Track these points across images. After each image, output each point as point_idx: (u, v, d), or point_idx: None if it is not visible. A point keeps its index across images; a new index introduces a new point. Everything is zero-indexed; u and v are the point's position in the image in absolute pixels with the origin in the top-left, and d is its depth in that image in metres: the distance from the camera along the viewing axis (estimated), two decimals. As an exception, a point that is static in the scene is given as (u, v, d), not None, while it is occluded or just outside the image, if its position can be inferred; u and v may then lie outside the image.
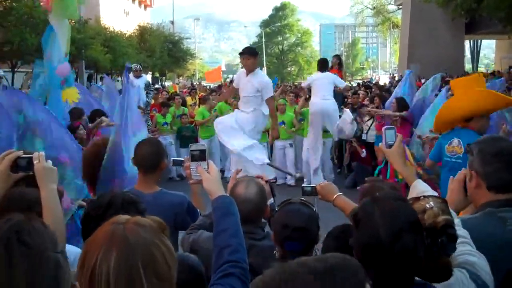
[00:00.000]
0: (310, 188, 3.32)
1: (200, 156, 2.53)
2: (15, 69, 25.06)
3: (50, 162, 2.62)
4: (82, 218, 2.68)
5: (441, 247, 2.09)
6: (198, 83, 28.73)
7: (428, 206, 2.14)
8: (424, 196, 2.25)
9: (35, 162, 2.56)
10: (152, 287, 1.52)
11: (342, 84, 11.70)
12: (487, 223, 2.49)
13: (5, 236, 1.23)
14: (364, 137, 12.24)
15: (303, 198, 3.06)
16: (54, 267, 1.27)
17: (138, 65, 15.20)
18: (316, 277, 1.35)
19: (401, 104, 10.21)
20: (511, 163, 2.56)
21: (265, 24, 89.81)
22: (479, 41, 45.25)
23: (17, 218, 1.31)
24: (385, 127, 2.96)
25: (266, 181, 3.60)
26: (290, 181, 12.22)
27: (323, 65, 11.45)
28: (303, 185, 3.49)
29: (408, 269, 1.94)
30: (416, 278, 2.02)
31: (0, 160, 2.57)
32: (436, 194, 2.41)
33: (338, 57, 14.39)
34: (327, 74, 11.32)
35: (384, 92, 15.51)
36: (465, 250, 2.31)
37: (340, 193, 3.06)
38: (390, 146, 2.87)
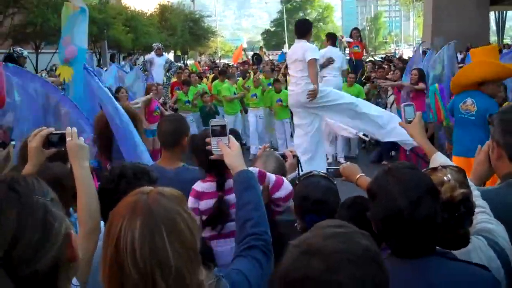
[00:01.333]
0: (334, 170, 3.30)
1: (221, 131, 2.53)
2: (39, 50, 25.29)
3: (82, 139, 2.63)
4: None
5: (458, 221, 2.11)
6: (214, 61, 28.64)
7: (445, 178, 2.15)
8: (442, 166, 2.25)
9: (67, 139, 2.57)
10: (177, 253, 1.54)
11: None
12: (508, 194, 2.48)
13: None
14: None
15: (323, 172, 3.06)
16: (42, 210, 1.28)
17: (160, 44, 15.26)
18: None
19: (420, 74, 10.11)
20: None
21: (286, 0, 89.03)
22: (504, 12, 44.33)
23: (14, 175, 1.37)
24: (404, 104, 2.97)
25: (294, 155, 3.62)
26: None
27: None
28: (327, 167, 3.48)
29: (429, 236, 1.95)
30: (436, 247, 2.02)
31: (32, 137, 2.60)
32: (454, 164, 2.40)
33: (358, 30, 14.22)
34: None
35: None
36: (483, 218, 2.32)
37: (363, 174, 3.07)
38: (409, 123, 2.88)
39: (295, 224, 2.95)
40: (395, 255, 1.97)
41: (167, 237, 1.54)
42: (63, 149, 2.59)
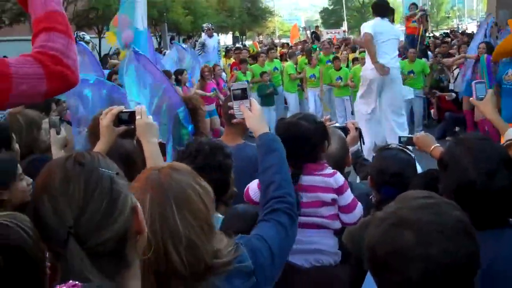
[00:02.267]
0: (407, 138, 3.26)
1: (242, 94, 2.51)
2: (101, 35, 25.89)
3: (151, 117, 2.71)
4: None
5: None
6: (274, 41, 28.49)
7: None
8: None
9: (137, 117, 2.65)
10: (188, 224, 1.61)
11: None
12: None
13: (63, 161, 1.33)
14: (451, 86, 11.89)
15: (400, 144, 3.03)
16: (108, 181, 1.31)
17: (210, 24, 15.31)
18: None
19: (488, 48, 9.75)
20: None
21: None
22: None
23: (78, 151, 1.41)
24: (475, 81, 2.94)
25: (356, 128, 3.59)
26: None
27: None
28: (399, 134, 3.44)
29: (503, 208, 1.90)
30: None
31: (104, 115, 2.69)
32: None
33: (415, 4, 13.75)
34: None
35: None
36: None
37: (438, 144, 3.00)
38: (480, 100, 2.83)
39: (370, 197, 2.93)
40: None
41: (177, 208, 1.60)
42: (132, 126, 2.68)
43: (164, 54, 14.32)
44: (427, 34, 13.65)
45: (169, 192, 1.62)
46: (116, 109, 2.71)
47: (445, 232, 1.34)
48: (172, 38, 27.82)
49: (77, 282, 1.13)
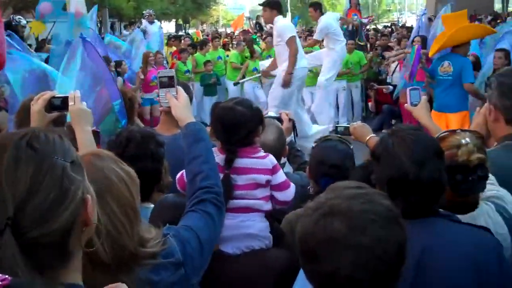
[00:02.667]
0: (344, 128, 3.28)
1: (169, 82, 2.49)
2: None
3: (85, 103, 2.64)
4: None
5: (471, 185, 2.11)
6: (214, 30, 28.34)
7: (463, 141, 2.14)
8: (461, 130, 2.24)
9: (70, 103, 2.58)
10: (110, 211, 1.58)
11: None
12: (505, 156, 2.50)
13: (17, 140, 1.24)
14: (389, 79, 12.14)
15: (340, 135, 3.06)
16: (60, 173, 1.24)
17: (150, 10, 15.10)
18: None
19: (423, 41, 9.92)
20: None
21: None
22: (510, -21, 43.70)
23: (36, 129, 1.32)
24: (410, 87, 3.00)
25: (290, 119, 3.60)
26: None
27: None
28: (336, 124, 3.47)
29: (433, 198, 1.94)
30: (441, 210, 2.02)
31: (35, 101, 2.60)
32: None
33: None
34: None
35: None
36: (494, 188, 2.32)
37: (374, 134, 3.05)
38: (414, 105, 2.90)
39: (308, 187, 2.94)
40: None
41: (98, 196, 1.51)
42: (66, 112, 2.60)
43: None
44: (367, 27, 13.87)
45: (89, 178, 1.53)
46: (48, 94, 2.63)
47: (377, 221, 1.36)
48: (112, 24, 27.28)
49: (6, 276, 1.07)
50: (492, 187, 2.31)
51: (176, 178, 2.76)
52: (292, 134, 3.66)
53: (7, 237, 1.16)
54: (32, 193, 1.20)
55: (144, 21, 15.36)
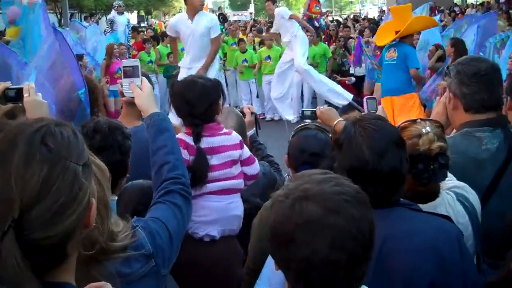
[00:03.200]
0: (310, 112, 3.29)
1: (133, 72, 2.46)
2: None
3: (40, 95, 2.57)
4: None
5: (432, 174, 2.12)
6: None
7: (424, 131, 2.15)
8: (421, 119, 2.25)
9: (25, 94, 2.52)
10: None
11: None
12: (464, 143, 2.53)
13: (30, 134, 1.20)
14: (352, 71, 12.26)
15: (318, 124, 3.05)
16: (72, 178, 1.21)
17: (120, 1, 14.89)
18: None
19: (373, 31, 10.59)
20: (488, 83, 2.56)
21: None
22: (469, -28, 44.39)
23: (49, 122, 1.27)
24: (366, 97, 3.05)
25: (252, 112, 3.62)
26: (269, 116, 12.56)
27: None
28: (303, 108, 3.47)
29: (392, 188, 1.95)
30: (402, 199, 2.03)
31: None
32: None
33: None
34: None
35: (374, 25, 15.38)
36: (455, 180, 2.35)
37: (341, 119, 3.05)
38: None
39: (286, 175, 2.96)
40: None
41: None
42: (20, 104, 2.55)
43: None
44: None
45: None
46: (1, 85, 2.56)
47: (349, 201, 1.37)
48: (72, 15, 26.75)
49: None
50: (453, 180, 2.35)
51: None
52: (254, 128, 3.68)
53: (9, 238, 1.13)
54: (41, 196, 1.17)
55: (112, 12, 15.11)
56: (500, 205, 2.42)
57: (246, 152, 2.98)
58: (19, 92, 2.55)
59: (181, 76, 7.38)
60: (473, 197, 2.29)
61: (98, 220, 1.55)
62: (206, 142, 2.81)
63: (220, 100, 2.89)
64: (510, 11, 21.50)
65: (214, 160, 2.82)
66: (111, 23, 14.20)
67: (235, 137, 2.92)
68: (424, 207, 2.10)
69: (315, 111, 3.24)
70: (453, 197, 2.24)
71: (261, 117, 11.80)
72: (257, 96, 13.02)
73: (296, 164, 2.84)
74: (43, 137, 1.21)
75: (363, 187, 1.89)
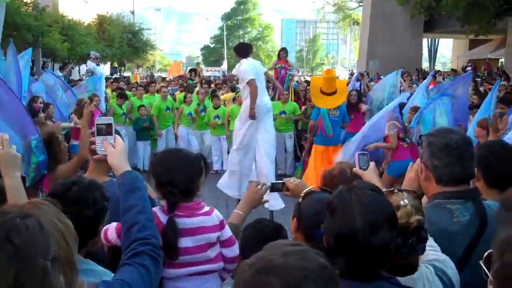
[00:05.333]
0: (281, 184, 3.13)
1: (107, 130, 2.45)
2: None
3: (14, 147, 2.50)
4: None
5: (411, 248, 2.09)
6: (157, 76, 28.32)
7: (402, 203, 2.12)
8: (399, 190, 2.22)
9: None
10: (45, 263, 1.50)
11: None
12: (435, 214, 2.52)
13: None
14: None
15: (321, 187, 2.95)
16: (41, 274, 1.19)
17: (97, 53, 14.96)
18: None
19: (359, 97, 11.02)
20: (459, 157, 2.56)
21: (226, 17, 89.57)
22: (436, 40, 46.04)
23: (13, 215, 1.23)
24: (358, 152, 3.01)
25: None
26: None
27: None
28: (272, 181, 3.32)
29: (379, 262, 1.92)
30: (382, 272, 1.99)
31: None
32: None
33: (285, 50, 14.37)
34: None
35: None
36: (434, 247, 2.32)
37: (311, 188, 2.98)
38: (364, 170, 2.90)
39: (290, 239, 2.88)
40: (342, 275, 1.87)
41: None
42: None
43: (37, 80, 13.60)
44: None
45: None
46: None
47: (310, 278, 1.33)
48: (44, 64, 26.73)
49: None
50: (434, 252, 2.30)
51: (103, 232, 2.64)
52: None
53: None
54: None
55: (89, 62, 15.14)
56: (472, 278, 2.38)
57: (227, 232, 2.86)
58: None
59: None
60: (452, 272, 2.25)
61: (63, 281, 1.50)
62: (182, 223, 2.70)
63: (202, 176, 2.81)
64: (477, 79, 22.26)
65: (187, 242, 2.71)
66: (92, 73, 14.19)
67: (215, 217, 2.82)
68: (402, 280, 2.06)
69: (283, 183, 3.13)
70: (432, 271, 2.20)
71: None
72: (228, 152, 13.01)
73: (309, 226, 2.76)
74: (6, 234, 1.18)
75: (347, 257, 1.87)
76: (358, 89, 12.46)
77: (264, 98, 8.75)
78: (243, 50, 8.81)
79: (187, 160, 2.76)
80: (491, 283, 1.12)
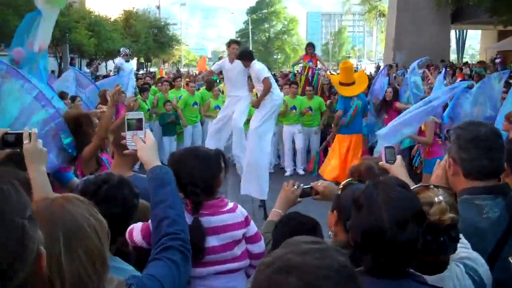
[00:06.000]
0: (309, 189, 3.07)
1: (137, 125, 2.46)
2: (-2, 52, 24.71)
3: (40, 141, 2.53)
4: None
5: (442, 246, 2.04)
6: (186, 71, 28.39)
7: (436, 199, 2.07)
8: (435, 186, 2.17)
9: (25, 141, 2.48)
10: (78, 260, 1.51)
11: None
12: (463, 210, 2.45)
13: None
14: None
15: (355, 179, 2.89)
16: (20, 232, 1.21)
17: (127, 50, 15.05)
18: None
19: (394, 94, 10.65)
20: (487, 149, 2.50)
21: (252, 10, 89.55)
22: (464, 31, 45.30)
23: None
24: (385, 146, 2.95)
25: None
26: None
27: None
28: (303, 186, 3.22)
29: (407, 260, 1.88)
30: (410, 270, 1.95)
31: None
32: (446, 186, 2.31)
33: (312, 45, 14.33)
34: None
35: (370, 81, 15.53)
36: (465, 245, 2.26)
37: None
38: (390, 163, 2.85)
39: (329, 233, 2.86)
40: (368, 272, 1.89)
41: (66, 243, 1.50)
42: (18, 149, 2.50)
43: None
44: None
45: (60, 225, 1.51)
46: (0, 130, 2.53)
47: (329, 277, 1.30)
48: (72, 59, 27.01)
49: None
50: (465, 249, 2.25)
51: (128, 232, 2.65)
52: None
53: None
54: None
55: (119, 58, 15.28)
56: (503, 274, 2.33)
57: (253, 228, 2.85)
58: (19, 138, 2.51)
59: None
60: (484, 270, 2.19)
61: (94, 277, 1.54)
62: (207, 222, 2.69)
63: (221, 173, 2.80)
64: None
65: (214, 241, 2.70)
66: (118, 69, 14.28)
67: (240, 214, 2.81)
68: (431, 279, 2.02)
69: (311, 187, 3.07)
70: (462, 269, 2.15)
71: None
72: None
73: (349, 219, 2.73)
74: None
75: (374, 255, 1.84)
76: (387, 84, 12.05)
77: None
78: (250, 55, 9.06)
79: (207, 158, 2.75)
80: None
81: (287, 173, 12.09)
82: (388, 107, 10.61)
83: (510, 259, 1.19)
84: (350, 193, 2.55)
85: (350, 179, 2.69)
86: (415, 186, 2.21)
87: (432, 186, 2.16)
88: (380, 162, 2.92)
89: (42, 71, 5.69)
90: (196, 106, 13.03)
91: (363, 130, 10.71)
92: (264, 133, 8.66)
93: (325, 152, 11.93)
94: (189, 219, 2.68)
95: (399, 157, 2.89)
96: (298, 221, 2.84)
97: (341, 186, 2.60)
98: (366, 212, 1.89)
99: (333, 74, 15.25)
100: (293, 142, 12.28)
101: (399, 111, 10.04)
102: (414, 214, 1.87)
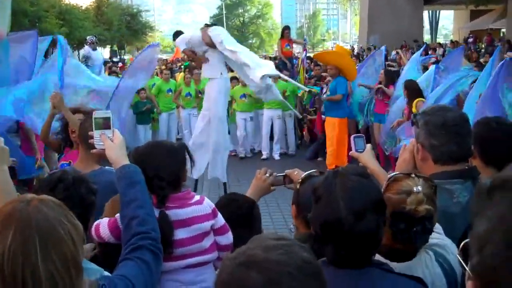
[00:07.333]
0: (283, 177, 3.03)
1: (105, 123, 2.43)
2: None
3: (2, 140, 2.46)
4: None
5: (414, 236, 2.03)
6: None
7: (415, 189, 2.05)
8: (416, 175, 2.14)
9: None
10: (52, 263, 1.49)
11: None
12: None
13: None
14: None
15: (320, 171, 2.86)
16: None
17: (93, 37, 14.79)
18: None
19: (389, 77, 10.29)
20: (456, 134, 2.50)
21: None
22: (437, 12, 45.63)
23: None
24: (354, 135, 2.94)
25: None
26: (241, 153, 12.50)
27: None
28: (277, 174, 3.15)
29: (367, 249, 1.86)
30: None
31: None
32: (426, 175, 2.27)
33: (288, 28, 14.39)
34: None
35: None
36: (437, 229, 2.24)
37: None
38: (360, 152, 2.84)
39: (291, 226, 2.82)
40: (331, 263, 1.87)
41: (41, 246, 1.48)
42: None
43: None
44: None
45: (35, 227, 1.48)
46: None
47: (293, 273, 1.29)
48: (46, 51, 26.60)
49: None
50: (437, 235, 2.23)
51: (94, 227, 2.60)
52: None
53: None
54: None
55: (86, 47, 14.99)
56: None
57: (221, 219, 2.82)
58: None
59: None
60: (454, 258, 2.16)
61: (67, 281, 1.52)
62: (174, 215, 2.65)
63: (186, 166, 2.77)
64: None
65: (182, 234, 2.66)
66: (86, 59, 14.04)
67: (207, 205, 2.77)
68: (399, 266, 2.01)
69: (285, 175, 3.03)
70: (432, 257, 2.13)
71: (232, 154, 11.74)
72: (228, 133, 12.94)
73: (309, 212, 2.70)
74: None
75: (334, 246, 1.82)
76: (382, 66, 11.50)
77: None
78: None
79: (173, 151, 2.71)
80: (470, 278, 1.04)
81: (263, 156, 12.14)
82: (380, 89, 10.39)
83: (458, 256, 1.16)
84: (309, 186, 2.53)
85: (311, 171, 2.67)
86: (396, 173, 2.19)
87: (413, 175, 2.14)
88: (350, 152, 2.91)
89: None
90: (170, 93, 12.95)
91: (348, 115, 10.61)
92: (225, 116, 8.59)
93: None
94: (156, 212, 2.63)
95: (368, 146, 2.88)
96: (236, 205, 2.88)
97: (299, 180, 2.57)
98: (324, 203, 1.87)
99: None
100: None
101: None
102: (373, 203, 1.84)
